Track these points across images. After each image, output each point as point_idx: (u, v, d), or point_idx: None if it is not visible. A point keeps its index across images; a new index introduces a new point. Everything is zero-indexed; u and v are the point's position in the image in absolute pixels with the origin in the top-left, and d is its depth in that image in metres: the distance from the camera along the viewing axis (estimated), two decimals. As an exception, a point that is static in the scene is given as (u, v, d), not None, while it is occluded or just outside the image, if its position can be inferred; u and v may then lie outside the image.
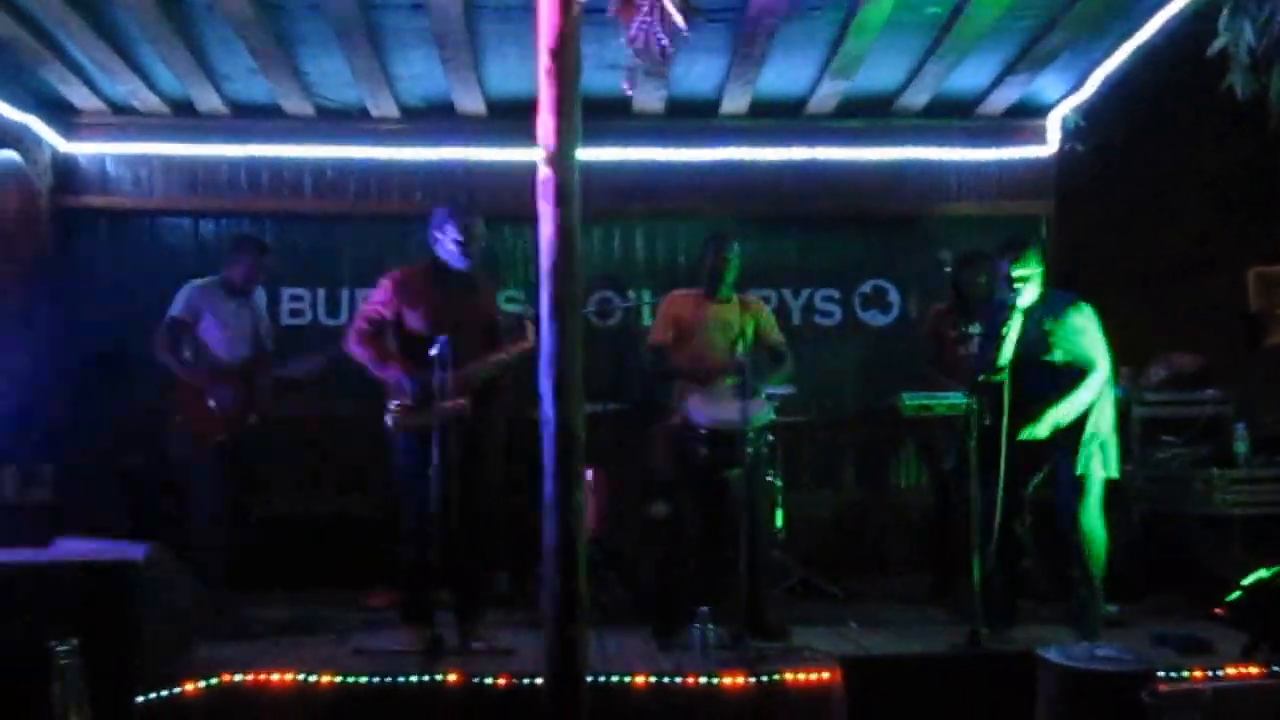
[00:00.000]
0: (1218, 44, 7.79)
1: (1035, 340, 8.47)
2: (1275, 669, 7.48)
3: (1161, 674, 6.91)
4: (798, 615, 9.21)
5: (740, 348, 8.97)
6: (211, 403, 9.19)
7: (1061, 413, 8.36)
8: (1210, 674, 7.36)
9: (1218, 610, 8.68)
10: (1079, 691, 6.37)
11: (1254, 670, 7.47)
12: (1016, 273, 8.49)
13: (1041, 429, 8.33)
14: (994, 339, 8.47)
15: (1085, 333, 8.50)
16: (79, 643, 5.22)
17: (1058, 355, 8.47)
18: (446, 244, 8.62)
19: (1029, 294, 8.52)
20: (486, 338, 8.62)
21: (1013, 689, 6.87)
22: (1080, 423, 8.41)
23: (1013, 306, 8.45)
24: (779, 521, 10.29)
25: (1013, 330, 8.43)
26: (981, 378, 8.40)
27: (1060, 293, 8.73)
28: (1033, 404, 8.35)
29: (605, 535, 9.69)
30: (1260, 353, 10.85)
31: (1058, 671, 6.47)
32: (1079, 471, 8.40)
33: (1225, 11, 7.72)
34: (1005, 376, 8.34)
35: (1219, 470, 9.60)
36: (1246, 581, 8.15)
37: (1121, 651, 6.59)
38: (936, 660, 7.86)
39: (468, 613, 8.46)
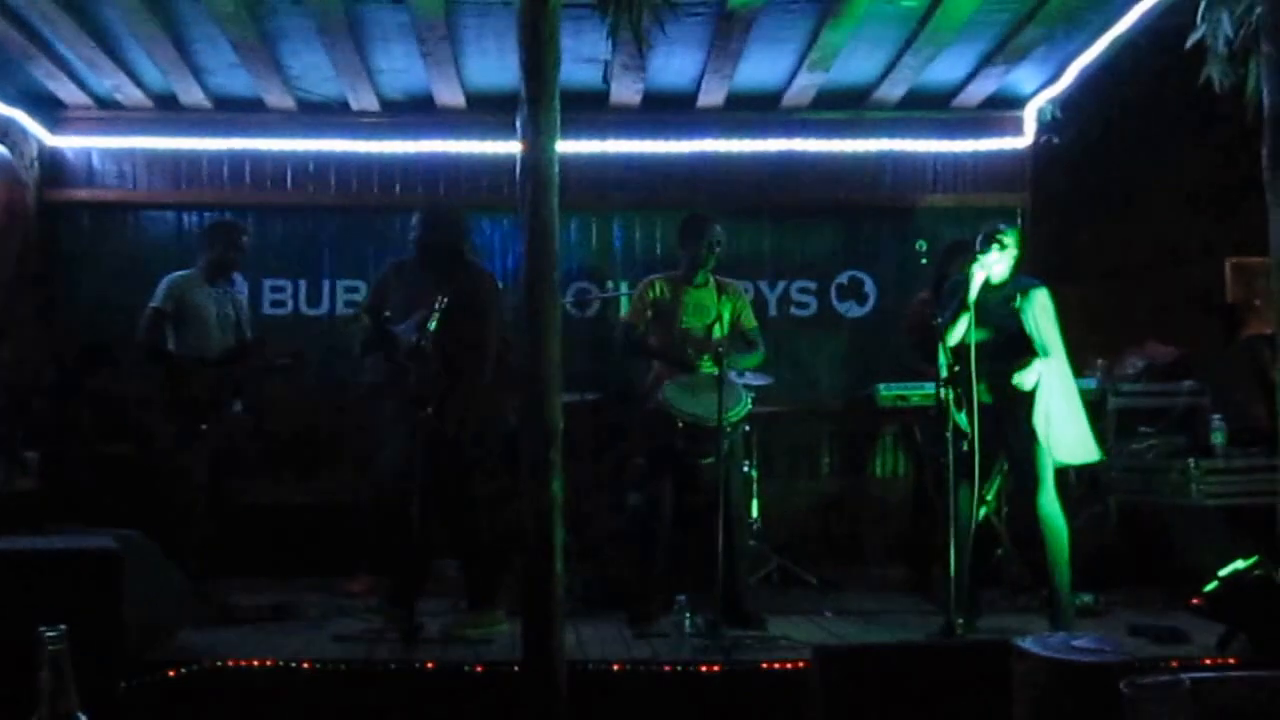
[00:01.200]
0: (1195, 35, 7.87)
1: (1004, 315, 8.50)
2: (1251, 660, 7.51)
3: (1139, 665, 6.97)
4: (774, 604, 9.28)
5: (717, 331, 9.05)
6: (195, 391, 9.28)
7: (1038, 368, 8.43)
8: (1186, 665, 7.33)
9: (1194, 601, 8.72)
10: (1056, 682, 6.39)
11: (1230, 662, 7.47)
12: (999, 236, 8.52)
13: (1029, 376, 8.38)
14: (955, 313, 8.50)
15: (1047, 314, 8.53)
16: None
17: (1025, 329, 8.51)
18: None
19: (999, 267, 8.54)
20: (469, 322, 8.68)
21: (989, 679, 6.92)
22: (1029, 410, 8.48)
23: (970, 274, 8.46)
24: (755, 511, 10.34)
25: (972, 295, 8.42)
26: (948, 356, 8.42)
27: (1026, 276, 8.75)
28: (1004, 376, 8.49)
29: (582, 523, 9.71)
30: (1237, 343, 10.92)
31: (1034, 662, 6.49)
32: (1031, 458, 8.50)
33: (1203, 3, 7.79)
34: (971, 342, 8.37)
35: (1195, 461, 9.56)
36: (1223, 573, 8.12)
37: (1099, 642, 6.62)
38: (912, 650, 7.87)
39: (472, 600, 8.61)
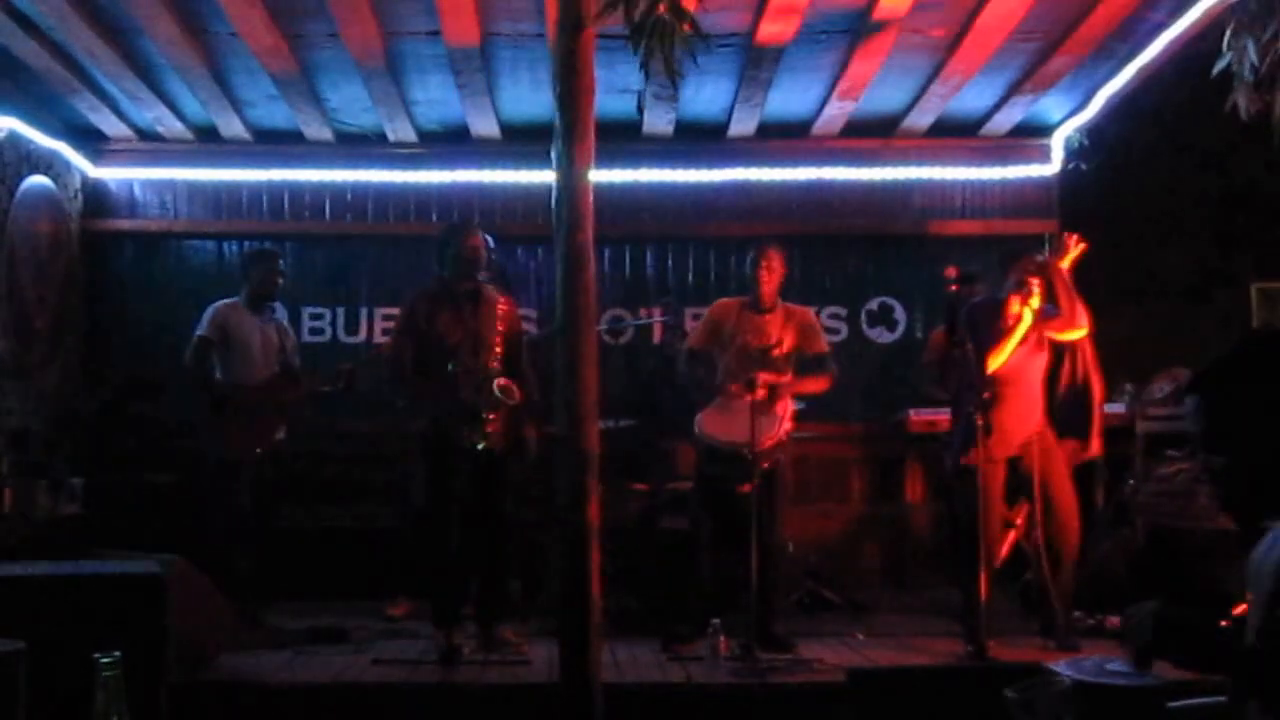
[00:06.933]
0: (1221, 63, 7.93)
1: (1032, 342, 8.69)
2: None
3: (1171, 688, 6.98)
4: (805, 627, 9.36)
5: (775, 355, 9.14)
6: (239, 418, 9.43)
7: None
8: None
9: (1223, 624, 8.76)
10: (1090, 705, 6.40)
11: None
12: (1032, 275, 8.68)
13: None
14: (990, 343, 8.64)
15: None
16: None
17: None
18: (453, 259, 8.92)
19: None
20: (507, 349, 8.86)
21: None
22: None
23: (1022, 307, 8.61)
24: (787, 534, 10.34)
25: (1020, 332, 8.60)
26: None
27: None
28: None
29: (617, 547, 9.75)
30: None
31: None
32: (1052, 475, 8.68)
33: (1228, 31, 7.85)
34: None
35: (1223, 485, 9.58)
36: (1252, 595, 8.20)
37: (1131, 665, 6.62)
38: (942, 672, 7.94)
39: (488, 619, 8.69)
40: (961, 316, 8.87)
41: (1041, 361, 8.75)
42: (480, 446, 8.58)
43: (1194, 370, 3.27)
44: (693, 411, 9.18)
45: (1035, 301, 8.58)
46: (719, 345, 9.29)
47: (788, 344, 9.23)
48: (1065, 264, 8.84)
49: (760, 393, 8.70)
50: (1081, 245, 8.91)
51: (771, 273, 9.26)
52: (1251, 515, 3.30)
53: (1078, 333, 8.80)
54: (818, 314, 11.77)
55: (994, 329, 8.59)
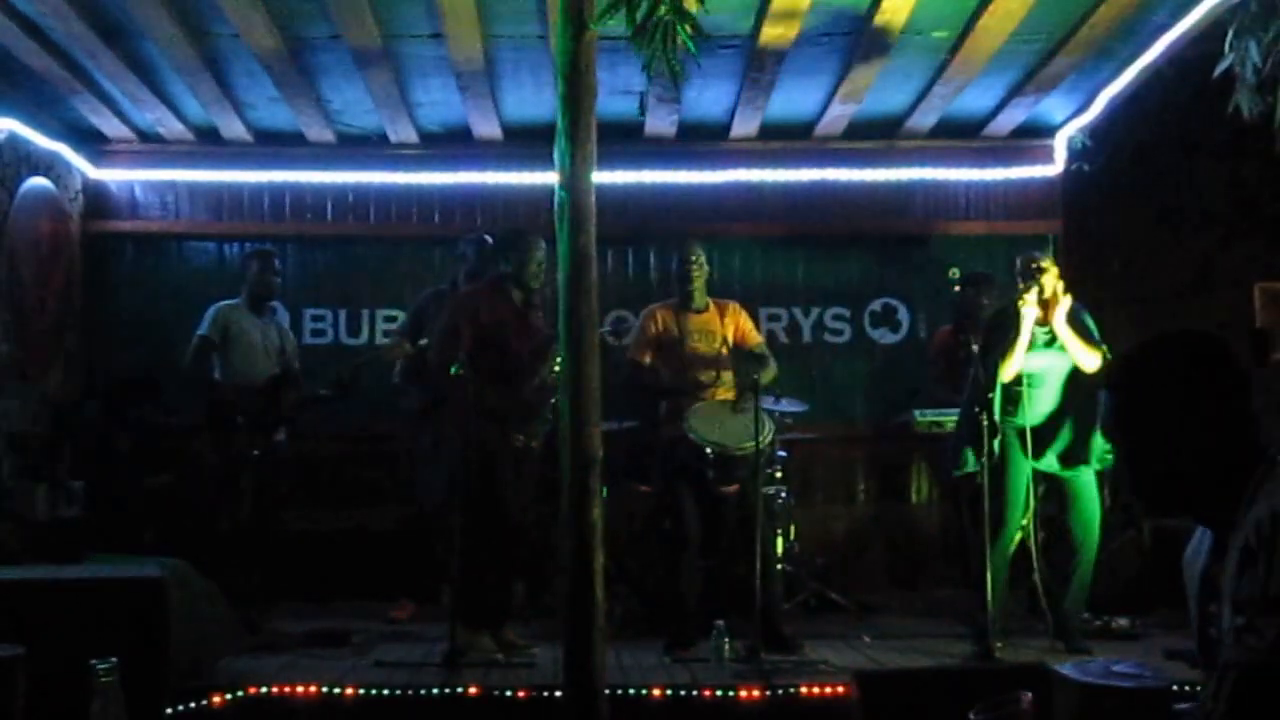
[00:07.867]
0: (1223, 64, 7.92)
1: (1051, 345, 8.59)
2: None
3: (1178, 689, 6.98)
4: (812, 629, 9.32)
5: (724, 353, 9.15)
6: (240, 419, 9.39)
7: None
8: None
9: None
10: (1097, 707, 6.38)
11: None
12: (1041, 269, 8.59)
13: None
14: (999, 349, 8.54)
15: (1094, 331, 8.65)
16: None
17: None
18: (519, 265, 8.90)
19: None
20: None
21: (1028, 703, 6.89)
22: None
23: (1019, 310, 8.55)
24: (792, 535, 10.36)
25: (1024, 334, 8.53)
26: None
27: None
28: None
29: (621, 548, 9.70)
30: (1267, 368, 10.94)
31: (1074, 687, 6.46)
32: (1067, 473, 8.61)
33: (1231, 32, 7.84)
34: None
35: (1228, 484, 9.52)
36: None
37: (1137, 666, 6.59)
38: (950, 673, 7.91)
39: (494, 622, 8.65)
40: (981, 326, 8.84)
41: (1068, 359, 8.65)
42: (534, 445, 8.73)
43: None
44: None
45: (1037, 293, 8.53)
46: (662, 353, 9.27)
47: (733, 338, 9.29)
48: (1060, 317, 8.62)
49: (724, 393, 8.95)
50: (1066, 298, 8.71)
51: (701, 269, 9.32)
52: (1157, 510, 3.30)
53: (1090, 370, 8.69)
54: (821, 315, 11.83)
55: (1006, 335, 8.54)
